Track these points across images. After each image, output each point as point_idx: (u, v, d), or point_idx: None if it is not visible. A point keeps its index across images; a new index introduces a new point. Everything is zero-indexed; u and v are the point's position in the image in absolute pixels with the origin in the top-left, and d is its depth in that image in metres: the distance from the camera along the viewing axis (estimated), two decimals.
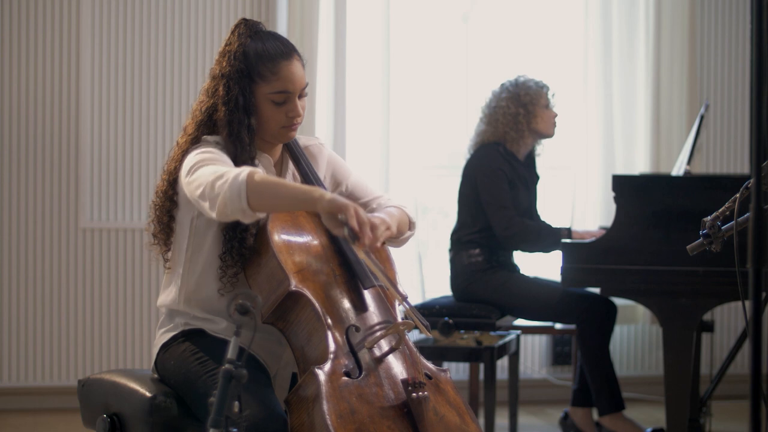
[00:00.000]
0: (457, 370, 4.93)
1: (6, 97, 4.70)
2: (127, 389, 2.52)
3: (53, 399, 4.72)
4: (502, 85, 4.31)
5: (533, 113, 4.24)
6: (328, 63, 4.73)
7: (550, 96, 4.29)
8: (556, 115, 4.29)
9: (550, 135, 4.31)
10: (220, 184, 2.29)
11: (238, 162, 2.44)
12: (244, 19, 2.56)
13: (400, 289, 2.50)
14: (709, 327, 4.23)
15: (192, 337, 2.50)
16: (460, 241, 4.26)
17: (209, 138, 2.49)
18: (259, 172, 2.33)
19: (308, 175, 2.57)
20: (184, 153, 2.47)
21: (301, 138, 2.68)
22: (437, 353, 3.82)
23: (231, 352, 1.87)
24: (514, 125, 4.23)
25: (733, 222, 2.37)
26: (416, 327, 2.46)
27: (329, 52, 4.74)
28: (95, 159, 4.75)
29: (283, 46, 2.50)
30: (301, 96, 2.51)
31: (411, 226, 2.70)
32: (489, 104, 4.32)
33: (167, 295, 2.57)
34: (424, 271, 4.85)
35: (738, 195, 2.39)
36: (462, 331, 3.93)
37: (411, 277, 4.82)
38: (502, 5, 5.11)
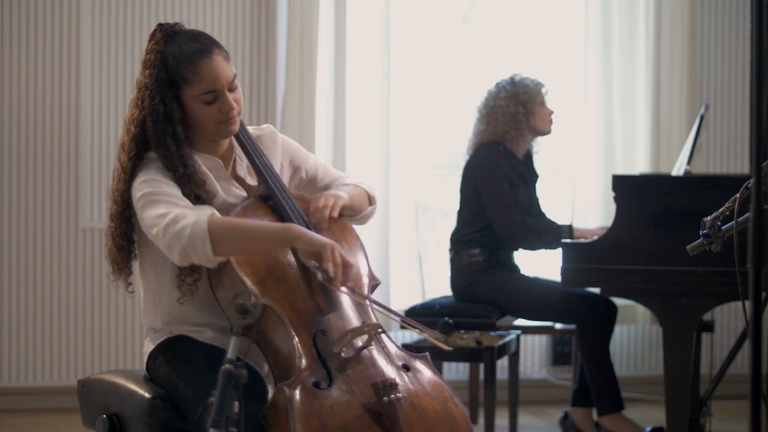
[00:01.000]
0: (457, 370, 4.93)
1: (6, 97, 4.70)
2: (126, 390, 2.52)
3: (53, 399, 4.71)
4: (498, 84, 4.32)
5: (532, 111, 4.25)
6: (328, 63, 4.73)
7: (545, 93, 4.30)
8: (552, 112, 4.30)
9: (547, 132, 4.31)
10: (176, 231, 2.28)
11: (177, 175, 2.40)
12: (160, 24, 2.50)
13: (365, 278, 2.48)
14: (709, 327, 4.23)
15: (179, 343, 2.49)
16: (460, 241, 4.26)
17: (152, 155, 2.46)
18: (217, 214, 2.34)
19: (260, 168, 2.53)
20: (130, 172, 2.44)
21: (252, 129, 2.63)
22: (437, 353, 3.80)
23: (231, 353, 1.87)
24: (513, 124, 4.24)
25: (733, 222, 2.37)
26: (411, 328, 2.43)
27: (329, 52, 4.73)
28: (95, 159, 4.75)
29: (201, 44, 2.44)
30: (231, 89, 2.45)
31: (371, 200, 2.70)
32: (486, 104, 4.33)
33: (148, 319, 2.57)
34: (424, 271, 4.85)
35: (738, 195, 2.38)
36: (462, 331, 3.93)
37: (411, 277, 4.82)
38: (502, 5, 5.11)
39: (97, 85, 4.75)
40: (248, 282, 2.34)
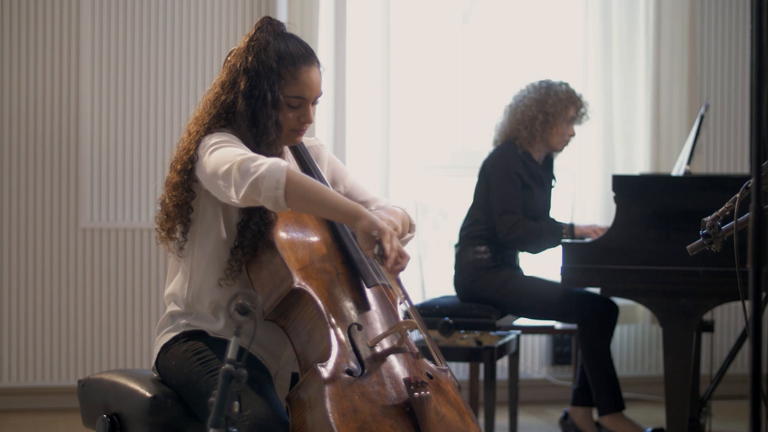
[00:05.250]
0: (457, 370, 4.93)
1: (6, 97, 4.70)
2: (127, 389, 2.52)
3: (53, 399, 4.72)
4: (538, 83, 4.24)
5: (551, 123, 4.18)
6: (328, 63, 4.73)
7: (579, 113, 4.23)
8: (573, 134, 4.24)
9: (557, 150, 4.27)
10: (255, 166, 2.28)
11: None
12: (269, 18, 2.53)
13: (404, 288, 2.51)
14: (709, 327, 4.23)
15: (193, 337, 2.50)
16: (468, 237, 4.24)
17: (223, 131, 2.47)
18: (292, 167, 2.34)
19: (314, 177, 2.56)
20: (198, 142, 2.44)
21: (303, 139, 2.67)
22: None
23: (231, 352, 1.87)
24: (528, 126, 4.18)
25: (733, 222, 2.37)
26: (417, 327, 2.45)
27: (329, 52, 4.74)
28: (95, 159, 4.75)
29: (306, 50, 2.49)
30: (314, 103, 2.52)
31: (411, 228, 2.72)
32: (515, 97, 4.27)
33: (176, 284, 2.55)
34: (424, 271, 4.85)
35: (738, 195, 2.39)
36: (462, 331, 3.93)
37: (411, 277, 4.82)
38: (502, 5, 5.10)
39: (97, 85, 4.75)
40: (291, 266, 2.35)
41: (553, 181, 4.36)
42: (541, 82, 4.26)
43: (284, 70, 2.45)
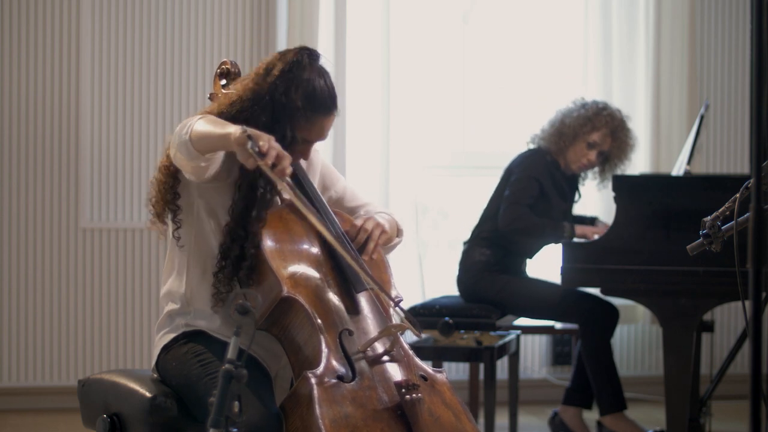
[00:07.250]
0: (457, 370, 4.93)
1: (6, 97, 4.70)
2: (127, 389, 2.52)
3: (53, 399, 4.72)
4: (588, 101, 4.24)
5: (570, 141, 4.17)
6: (328, 63, 4.72)
7: (601, 139, 4.18)
8: (591, 160, 4.19)
9: (573, 171, 4.25)
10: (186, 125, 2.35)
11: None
12: (308, 50, 2.54)
13: (393, 292, 2.50)
14: (709, 327, 4.23)
15: (193, 338, 2.50)
16: (478, 236, 4.23)
17: None
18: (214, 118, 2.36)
19: (302, 182, 2.58)
20: None
21: None
22: (437, 353, 3.81)
23: (231, 352, 1.87)
24: (555, 141, 4.20)
25: (733, 222, 2.37)
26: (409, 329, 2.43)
27: (329, 52, 4.73)
28: (95, 159, 4.75)
29: (331, 101, 2.50)
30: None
31: (399, 233, 2.75)
32: (560, 110, 4.26)
33: (173, 281, 2.55)
34: (424, 271, 4.84)
35: (738, 195, 2.39)
36: (462, 331, 3.93)
37: (411, 277, 4.82)
38: (502, 5, 5.11)
39: (97, 85, 4.75)
40: (280, 275, 2.35)
41: (576, 195, 4.35)
42: (589, 101, 4.25)
43: (302, 113, 2.46)
